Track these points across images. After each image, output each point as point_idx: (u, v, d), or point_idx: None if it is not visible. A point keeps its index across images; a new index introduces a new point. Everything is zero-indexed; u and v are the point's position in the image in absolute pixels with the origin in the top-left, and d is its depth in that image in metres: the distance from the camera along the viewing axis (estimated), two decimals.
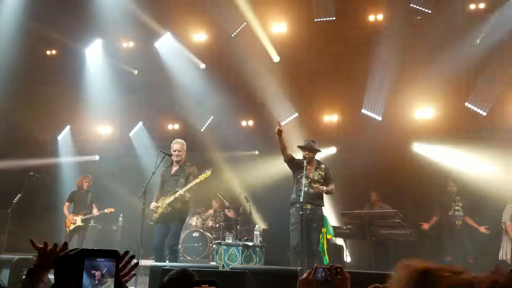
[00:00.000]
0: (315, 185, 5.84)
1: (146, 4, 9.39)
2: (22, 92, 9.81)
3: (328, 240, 6.32)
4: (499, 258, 7.01)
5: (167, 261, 5.76)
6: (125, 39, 10.51)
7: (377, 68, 8.94)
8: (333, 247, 7.40)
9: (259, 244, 6.59)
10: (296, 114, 9.96)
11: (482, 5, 8.61)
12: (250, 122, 10.59)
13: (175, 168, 6.08)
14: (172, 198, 5.81)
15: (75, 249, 1.53)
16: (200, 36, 10.36)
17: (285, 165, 6.12)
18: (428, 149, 9.10)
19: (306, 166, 5.80)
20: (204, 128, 10.61)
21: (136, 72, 10.63)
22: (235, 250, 6.32)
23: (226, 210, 9.26)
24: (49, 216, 8.99)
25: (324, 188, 5.90)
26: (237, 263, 6.06)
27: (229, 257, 6.32)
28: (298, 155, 6.11)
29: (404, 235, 6.81)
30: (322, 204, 5.99)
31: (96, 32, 10.23)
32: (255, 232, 6.79)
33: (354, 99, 9.53)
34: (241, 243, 6.36)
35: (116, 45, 10.54)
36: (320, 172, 6.01)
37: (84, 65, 10.53)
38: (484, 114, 8.70)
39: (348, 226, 7.21)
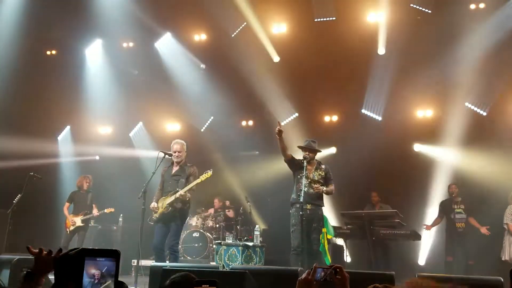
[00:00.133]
0: (315, 186, 5.84)
1: (146, 4, 9.40)
2: (22, 92, 9.81)
3: (328, 240, 6.32)
4: (502, 259, 7.00)
5: (167, 261, 5.76)
6: (125, 39, 10.51)
7: (377, 68, 8.95)
8: (333, 247, 7.41)
9: (259, 244, 6.60)
10: (296, 114, 9.97)
11: (482, 5, 8.61)
12: (250, 122, 10.59)
13: (175, 169, 6.08)
14: (172, 198, 5.81)
15: (75, 249, 1.53)
16: (200, 36, 10.37)
17: (285, 165, 6.12)
18: (428, 149, 9.11)
19: (306, 166, 5.79)
20: (204, 128, 10.61)
21: (136, 72, 10.63)
22: (235, 250, 6.33)
23: (226, 210, 9.27)
24: (49, 217, 8.99)
25: (324, 188, 5.90)
26: (237, 263, 6.06)
27: (229, 257, 6.33)
28: (299, 155, 6.11)
29: (404, 235, 6.82)
30: (322, 205, 5.99)
31: (96, 32, 10.24)
32: (255, 232, 6.80)
33: (354, 99, 9.54)
34: (241, 243, 6.36)
35: (116, 45, 10.55)
36: (320, 172, 6.01)
37: (84, 65, 10.55)
38: (484, 114, 8.70)
39: (348, 226, 7.21)
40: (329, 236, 6.27)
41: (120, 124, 10.92)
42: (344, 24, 9.23)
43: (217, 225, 8.83)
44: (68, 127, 11.04)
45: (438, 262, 7.89)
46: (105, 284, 1.42)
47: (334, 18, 9.22)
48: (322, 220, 5.98)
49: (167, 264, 5.25)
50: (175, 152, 5.99)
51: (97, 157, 10.92)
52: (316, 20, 9.34)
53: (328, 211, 7.65)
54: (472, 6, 8.69)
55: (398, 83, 8.82)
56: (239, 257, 6.23)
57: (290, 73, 9.58)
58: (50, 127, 10.51)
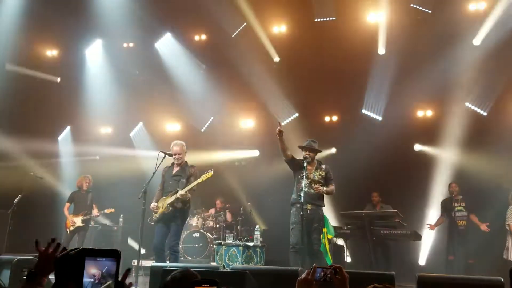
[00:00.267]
0: (315, 186, 5.84)
1: (146, 5, 9.40)
2: (22, 92, 9.81)
3: (329, 240, 6.33)
4: (504, 257, 7.00)
5: (167, 262, 5.76)
6: (125, 39, 10.51)
7: (377, 68, 8.95)
8: (333, 247, 7.41)
9: (260, 245, 6.60)
10: (297, 114, 9.97)
11: (482, 6, 8.61)
12: (251, 122, 10.59)
13: (176, 169, 6.08)
14: (173, 198, 5.81)
15: (75, 249, 1.53)
16: (200, 36, 10.37)
17: (286, 165, 6.13)
18: (428, 149, 9.11)
19: (306, 167, 5.80)
20: (204, 128, 10.61)
21: (137, 72, 10.63)
22: (235, 250, 6.34)
23: (227, 211, 9.29)
24: (49, 217, 8.99)
25: (325, 188, 5.90)
26: (238, 263, 6.06)
27: (230, 257, 6.33)
28: (299, 155, 6.11)
29: (404, 235, 6.82)
30: (322, 205, 5.99)
31: (97, 32, 10.24)
32: (256, 233, 6.80)
33: (354, 99, 9.54)
34: (241, 244, 6.37)
35: (116, 46, 10.55)
36: (320, 172, 6.01)
37: (84, 65, 10.54)
38: (484, 114, 8.70)
39: (348, 226, 7.22)
40: (329, 236, 6.28)
41: (121, 124, 10.92)
42: (344, 24, 9.22)
43: (218, 225, 8.84)
44: (68, 127, 11.04)
45: (438, 262, 7.90)
46: (106, 284, 1.42)
47: (334, 18, 9.22)
48: (323, 220, 5.99)
49: (168, 264, 5.25)
50: (175, 154, 6.00)
51: (97, 157, 10.92)
52: (316, 20, 9.34)
53: (329, 211, 7.65)
54: (472, 6, 8.69)
55: (398, 83, 8.83)
56: (239, 257, 6.23)
57: (290, 73, 9.58)
58: (51, 127, 10.51)
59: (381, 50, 9.06)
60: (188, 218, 7.73)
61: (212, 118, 10.60)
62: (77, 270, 1.41)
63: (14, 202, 7.54)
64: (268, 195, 9.14)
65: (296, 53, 9.54)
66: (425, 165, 8.84)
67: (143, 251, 6.67)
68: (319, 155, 6.21)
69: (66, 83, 10.62)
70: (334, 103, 9.75)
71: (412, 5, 8.80)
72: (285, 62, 9.76)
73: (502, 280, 3.45)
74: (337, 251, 7.69)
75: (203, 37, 10.38)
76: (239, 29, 9.76)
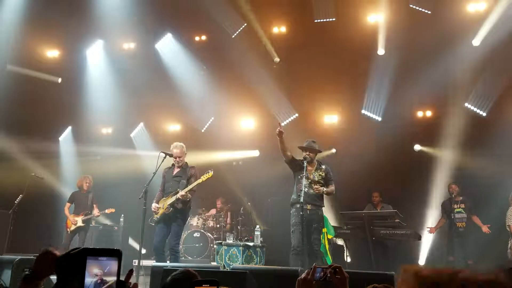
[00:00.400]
0: (315, 187, 5.85)
1: (147, 5, 9.42)
2: (23, 93, 9.83)
3: (329, 240, 6.34)
4: (509, 257, 7.00)
5: (168, 262, 5.77)
6: (126, 40, 10.52)
7: (377, 68, 8.97)
8: (333, 247, 7.42)
9: (260, 245, 6.61)
10: (297, 115, 9.99)
11: (481, 6, 8.62)
12: (251, 123, 10.60)
13: (176, 170, 6.10)
14: (173, 198, 5.83)
15: (77, 248, 1.54)
16: (200, 37, 10.38)
17: (286, 165, 6.14)
18: (428, 150, 9.11)
19: (306, 167, 5.81)
20: (204, 128, 10.63)
21: (136, 73, 10.63)
22: (236, 250, 6.35)
23: (227, 211, 9.30)
24: (50, 217, 9.01)
25: (325, 189, 5.91)
26: (238, 263, 6.07)
27: (230, 257, 6.34)
28: (299, 155, 6.12)
29: (404, 235, 6.82)
30: (322, 205, 6.01)
31: (97, 33, 10.26)
32: (256, 233, 6.81)
33: (354, 99, 9.56)
34: (242, 244, 6.38)
35: (117, 46, 10.57)
36: (320, 172, 6.02)
37: (85, 66, 10.56)
38: (484, 114, 8.71)
39: (348, 226, 7.22)
40: (329, 236, 6.30)
41: (121, 125, 10.93)
42: (344, 25, 9.24)
43: (218, 225, 8.85)
44: (69, 128, 11.06)
45: (438, 262, 7.90)
46: (107, 284, 1.43)
47: (334, 19, 9.23)
48: (323, 221, 6.00)
49: (168, 264, 5.27)
50: (175, 158, 6.02)
51: (99, 157, 10.94)
52: (316, 21, 9.36)
53: (329, 211, 7.66)
54: (472, 7, 8.70)
55: (397, 83, 8.84)
56: (239, 257, 6.24)
57: (290, 73, 9.59)
58: (52, 127, 10.53)
59: (381, 51, 9.08)
60: (189, 218, 7.75)
61: (212, 118, 10.61)
62: (78, 269, 1.42)
63: (15, 202, 7.55)
64: (268, 196, 9.15)
65: (296, 53, 9.56)
66: (425, 165, 8.85)
67: (143, 251, 6.68)
68: (319, 156, 6.22)
69: (67, 84, 10.64)
70: (334, 103, 9.77)
71: (411, 5, 8.82)
72: (285, 62, 9.77)
73: None
74: (337, 251, 7.70)
75: (204, 37, 10.39)
76: (239, 30, 9.77)
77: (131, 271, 1.58)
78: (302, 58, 9.45)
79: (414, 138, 9.24)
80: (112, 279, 1.42)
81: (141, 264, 5.96)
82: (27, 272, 1.86)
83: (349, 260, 8.15)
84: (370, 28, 9.15)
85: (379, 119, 9.39)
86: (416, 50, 8.66)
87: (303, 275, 1.98)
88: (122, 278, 1.48)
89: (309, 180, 5.86)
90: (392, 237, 6.90)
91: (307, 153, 5.95)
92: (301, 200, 5.61)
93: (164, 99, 10.14)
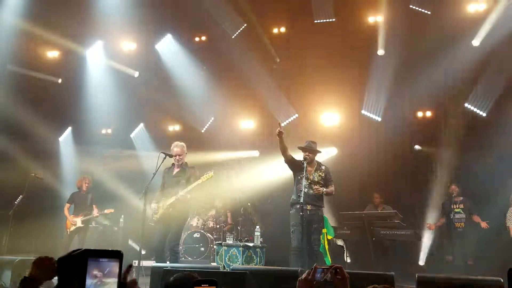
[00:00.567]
0: (315, 187, 5.85)
1: (147, 6, 9.42)
2: (23, 94, 9.84)
3: (328, 240, 6.34)
4: None
5: (167, 262, 5.77)
6: (126, 41, 10.53)
7: (377, 69, 8.97)
8: (333, 248, 7.42)
9: (260, 245, 6.61)
10: (296, 115, 9.99)
11: (481, 6, 8.62)
12: (251, 123, 10.61)
13: (176, 170, 6.10)
14: (173, 199, 5.83)
15: (78, 250, 1.55)
16: (200, 37, 10.38)
17: (286, 166, 6.14)
18: (427, 150, 9.12)
19: (306, 167, 5.81)
20: (204, 129, 10.63)
21: (137, 74, 10.65)
22: (235, 251, 6.35)
23: (227, 211, 9.30)
24: (50, 218, 9.00)
25: (324, 189, 5.91)
26: (238, 264, 6.07)
27: (230, 257, 6.34)
28: (299, 156, 6.12)
29: (404, 236, 6.83)
30: (322, 205, 6.01)
31: (97, 34, 10.26)
32: (256, 233, 6.81)
33: (354, 100, 9.56)
34: (241, 244, 6.38)
35: (117, 47, 10.57)
36: (320, 173, 6.03)
37: (85, 66, 10.56)
38: (484, 114, 8.72)
39: (348, 226, 7.23)
40: (329, 237, 6.31)
41: (121, 125, 10.94)
42: (343, 25, 9.25)
43: (218, 226, 8.85)
44: (69, 128, 11.07)
45: (438, 262, 7.91)
46: (107, 285, 1.43)
47: (333, 20, 9.24)
48: (322, 221, 6.00)
49: (168, 264, 5.27)
50: (175, 156, 6.02)
51: (98, 158, 10.94)
52: (316, 21, 9.36)
53: (329, 212, 7.66)
54: (472, 7, 8.71)
55: (397, 84, 8.84)
56: (239, 258, 6.24)
57: (290, 74, 9.59)
58: (52, 128, 10.53)
59: (381, 51, 9.08)
60: (189, 218, 7.75)
61: (212, 118, 10.62)
62: (79, 271, 1.42)
63: (15, 203, 7.54)
64: (268, 196, 9.15)
65: (296, 54, 9.56)
66: (425, 165, 8.85)
67: (143, 251, 6.68)
68: (319, 156, 6.22)
69: (67, 84, 10.64)
70: (334, 103, 9.77)
71: (411, 6, 8.82)
72: (285, 63, 9.77)
73: (502, 280, 3.47)
74: (337, 251, 7.70)
75: (203, 38, 10.39)
76: (239, 30, 9.78)
77: (129, 267, 1.58)
78: (302, 59, 9.45)
79: (414, 138, 9.24)
80: (112, 280, 1.43)
81: (141, 265, 5.95)
82: (25, 277, 1.87)
83: (349, 260, 8.15)
84: (370, 28, 9.16)
85: (379, 119, 9.39)
86: (416, 50, 8.67)
87: (303, 276, 1.98)
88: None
89: (309, 181, 5.87)
90: (391, 238, 6.92)
91: (307, 153, 5.96)
92: (301, 200, 5.62)
93: (164, 99, 10.14)
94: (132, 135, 11.06)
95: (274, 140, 6.01)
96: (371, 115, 9.47)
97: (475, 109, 8.78)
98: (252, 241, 6.85)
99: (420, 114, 9.35)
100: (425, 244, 8.48)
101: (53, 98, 10.39)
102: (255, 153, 10.35)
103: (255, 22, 9.58)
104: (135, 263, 6.69)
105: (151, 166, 6.12)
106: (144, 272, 6.11)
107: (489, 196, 7.67)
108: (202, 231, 8.49)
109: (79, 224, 8.08)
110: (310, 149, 6.00)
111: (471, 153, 8.32)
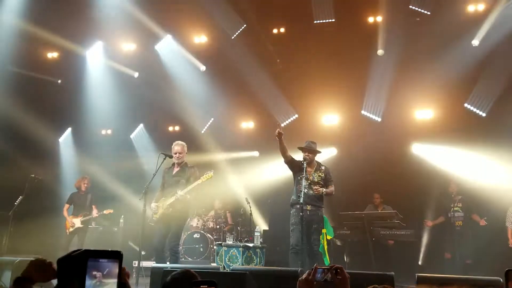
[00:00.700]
0: (315, 187, 5.86)
1: (147, 7, 9.41)
2: (23, 95, 9.83)
3: (328, 240, 6.34)
4: None
5: (167, 263, 5.77)
6: (125, 41, 10.52)
7: (377, 69, 8.97)
8: (333, 248, 7.42)
9: (260, 245, 6.61)
10: (296, 115, 9.99)
11: (481, 6, 8.62)
12: (251, 124, 10.61)
13: (176, 170, 6.10)
14: (172, 199, 5.83)
15: (78, 250, 1.55)
16: (200, 38, 10.37)
17: (286, 166, 6.14)
18: (427, 150, 9.12)
19: (306, 168, 5.82)
20: (204, 130, 10.63)
21: (136, 74, 10.65)
22: (235, 251, 6.35)
23: (227, 212, 9.30)
24: (50, 218, 9.00)
25: (324, 190, 5.91)
26: (238, 264, 6.08)
27: (230, 258, 6.34)
28: (299, 156, 6.13)
29: (404, 236, 6.84)
30: (322, 206, 6.01)
31: (97, 34, 10.25)
32: (256, 233, 6.81)
33: (354, 100, 9.56)
34: (241, 244, 6.38)
35: (116, 48, 10.57)
36: (320, 173, 6.03)
37: (85, 67, 10.56)
38: (483, 115, 8.72)
39: (348, 227, 7.23)
40: (329, 237, 6.30)
41: (121, 126, 10.94)
42: (343, 25, 9.24)
43: (218, 226, 8.85)
44: (69, 129, 11.06)
45: (437, 262, 7.91)
46: (107, 286, 1.43)
47: (333, 20, 9.23)
48: (322, 221, 6.01)
49: (168, 265, 5.27)
50: (175, 153, 6.02)
51: (98, 158, 10.93)
52: (315, 22, 9.36)
53: (329, 212, 7.66)
54: (471, 7, 8.71)
55: (397, 84, 8.84)
56: (239, 258, 6.24)
57: (290, 74, 9.59)
58: (52, 128, 10.53)
59: (381, 51, 9.07)
60: (189, 219, 7.75)
61: (212, 119, 10.62)
62: (79, 271, 1.42)
63: (15, 203, 7.54)
64: (268, 196, 9.15)
65: (295, 54, 9.56)
66: (425, 165, 8.85)
67: (143, 252, 6.68)
68: (318, 156, 6.22)
69: (67, 85, 10.64)
70: (334, 104, 9.76)
71: (411, 6, 8.82)
72: (285, 63, 9.77)
73: (501, 280, 3.47)
74: (337, 251, 7.70)
75: (203, 38, 10.39)
76: (239, 31, 9.77)
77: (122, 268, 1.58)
78: (301, 59, 9.45)
79: (413, 138, 9.24)
80: (112, 281, 1.43)
81: (141, 265, 5.95)
82: (18, 277, 1.87)
83: (349, 260, 8.16)
84: (370, 28, 9.15)
85: (379, 119, 9.39)
86: (416, 50, 8.67)
87: (304, 276, 1.98)
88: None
89: (309, 181, 5.87)
90: (391, 238, 6.92)
91: (307, 154, 5.96)
92: (301, 201, 5.62)
93: (164, 100, 10.14)
94: (132, 136, 11.06)
95: (274, 140, 6.00)
96: (371, 115, 9.47)
97: (474, 109, 8.77)
98: (252, 241, 6.85)
99: (420, 113, 9.34)
100: (424, 244, 8.49)
101: (53, 98, 10.38)
102: (255, 153, 10.35)
103: (255, 22, 9.58)
104: (135, 263, 6.70)
105: (151, 166, 6.12)
106: (144, 273, 6.11)
107: (489, 196, 7.66)
108: (202, 231, 8.49)
109: (78, 224, 8.07)
110: (310, 149, 6.00)
111: (470, 153, 8.33)
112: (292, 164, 6.02)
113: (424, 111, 9.28)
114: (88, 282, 1.41)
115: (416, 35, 8.65)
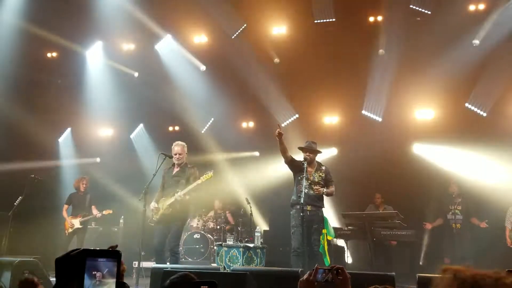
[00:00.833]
0: (316, 187, 5.84)
1: (147, 6, 9.41)
2: (23, 95, 9.82)
3: (329, 241, 6.32)
4: None
5: (168, 263, 5.76)
6: (125, 41, 10.52)
7: (377, 69, 8.96)
8: (334, 248, 7.40)
9: (260, 246, 6.60)
10: (297, 115, 9.98)
11: (481, 6, 8.62)
12: (251, 124, 10.60)
13: (176, 170, 6.09)
14: (172, 199, 5.82)
15: (76, 249, 1.53)
16: (200, 38, 10.37)
17: (286, 166, 6.13)
18: (428, 150, 9.11)
19: (306, 168, 5.80)
20: (204, 130, 10.62)
21: (136, 74, 10.64)
22: (236, 251, 6.33)
23: (227, 212, 9.29)
24: (50, 219, 8.99)
25: (325, 190, 5.90)
26: (238, 265, 6.06)
27: (230, 258, 6.32)
28: (299, 156, 6.11)
29: (404, 236, 6.83)
30: (322, 206, 6.00)
31: (97, 34, 10.25)
32: (256, 234, 6.80)
33: (354, 100, 9.55)
34: (242, 245, 6.36)
35: (116, 47, 10.56)
36: (320, 173, 6.01)
37: (84, 67, 10.55)
38: (484, 115, 8.71)
39: (349, 227, 7.22)
40: (329, 237, 6.28)
41: (121, 126, 10.93)
42: (344, 25, 9.23)
43: (218, 227, 8.84)
44: (69, 129, 11.05)
45: (438, 263, 7.89)
46: (106, 285, 1.42)
47: (333, 20, 9.23)
48: (323, 221, 5.99)
49: (168, 266, 5.25)
50: (175, 154, 6.01)
51: (98, 159, 10.93)
52: (316, 21, 9.35)
53: (329, 212, 7.65)
54: (472, 7, 8.70)
55: (398, 84, 8.83)
56: (240, 259, 6.22)
57: (290, 74, 9.58)
58: (51, 129, 10.52)
59: (381, 51, 9.06)
60: (189, 219, 7.73)
61: (212, 119, 10.60)
62: (78, 271, 1.41)
63: (15, 204, 7.53)
64: (269, 196, 9.13)
65: (296, 54, 9.54)
66: (425, 165, 8.84)
67: (143, 252, 6.66)
68: (319, 156, 6.21)
69: (66, 85, 10.63)
70: (335, 104, 9.76)
71: (411, 6, 8.81)
72: (285, 63, 9.76)
73: None
74: (338, 252, 7.69)
75: (203, 38, 10.38)
76: (239, 31, 9.76)
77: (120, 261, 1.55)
78: (302, 59, 9.43)
79: (414, 138, 9.23)
80: (111, 280, 1.42)
81: (141, 266, 5.94)
82: (26, 275, 1.86)
83: (349, 261, 8.15)
84: (370, 28, 9.14)
85: (380, 119, 9.38)
86: (416, 49, 8.66)
87: (305, 276, 1.97)
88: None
89: (309, 181, 5.85)
90: (392, 238, 6.91)
91: (307, 154, 5.94)
92: (301, 201, 5.60)
93: (164, 100, 10.13)
94: (132, 136, 11.04)
95: (274, 140, 5.99)
96: (372, 115, 9.46)
97: (475, 109, 8.76)
98: (253, 241, 6.83)
99: (420, 113, 9.33)
100: (425, 245, 8.47)
101: (52, 98, 10.36)
102: (256, 153, 10.34)
103: (255, 22, 9.57)
104: (135, 264, 6.69)
105: (151, 166, 6.11)
106: (144, 273, 6.10)
107: (489, 196, 7.65)
108: (202, 232, 8.48)
109: (77, 225, 8.05)
110: (311, 149, 5.98)
111: (470, 153, 8.31)
112: (292, 164, 6.01)
113: (424, 111, 9.26)
114: (87, 281, 1.40)
115: (417, 35, 8.64)
